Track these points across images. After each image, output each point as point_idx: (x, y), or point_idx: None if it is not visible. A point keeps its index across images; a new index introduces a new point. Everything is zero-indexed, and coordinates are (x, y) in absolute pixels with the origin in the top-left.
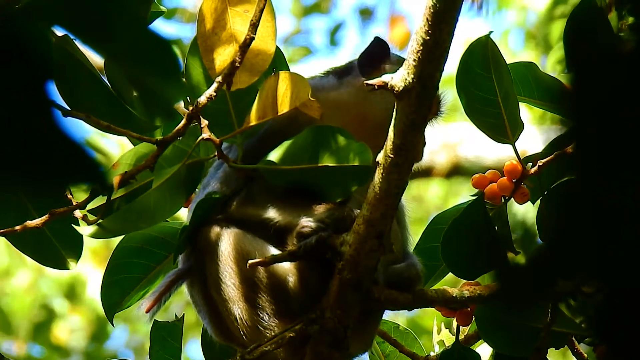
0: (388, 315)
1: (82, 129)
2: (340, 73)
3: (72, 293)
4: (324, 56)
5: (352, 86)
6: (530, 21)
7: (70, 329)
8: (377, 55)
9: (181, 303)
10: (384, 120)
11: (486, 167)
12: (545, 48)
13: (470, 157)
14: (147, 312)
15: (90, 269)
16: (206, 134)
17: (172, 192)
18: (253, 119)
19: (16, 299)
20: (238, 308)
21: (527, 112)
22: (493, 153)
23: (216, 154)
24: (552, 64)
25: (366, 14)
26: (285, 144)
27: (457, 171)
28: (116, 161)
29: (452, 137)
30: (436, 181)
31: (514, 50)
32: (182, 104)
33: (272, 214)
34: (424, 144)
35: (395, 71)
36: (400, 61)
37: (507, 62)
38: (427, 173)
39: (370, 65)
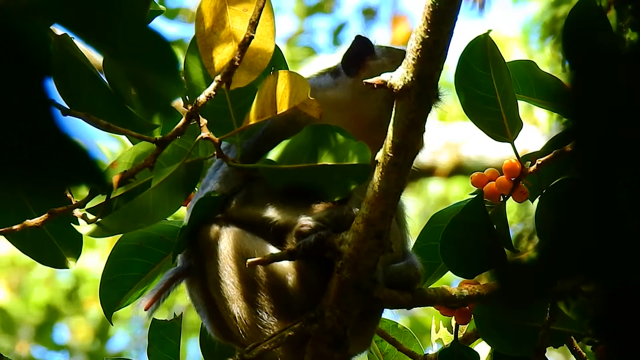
0: (391, 314)
1: (83, 129)
2: (335, 72)
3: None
4: (327, 56)
5: (347, 85)
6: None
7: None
8: (361, 53)
9: (183, 305)
10: (377, 117)
11: (488, 167)
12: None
13: (472, 157)
14: (145, 309)
15: None
16: (205, 133)
17: (171, 191)
18: (252, 118)
19: (35, 292)
20: (237, 307)
21: (547, 115)
22: (495, 153)
23: (215, 153)
24: None
25: (369, 14)
26: (284, 143)
27: (459, 171)
28: (115, 160)
29: (455, 137)
30: (456, 180)
31: (533, 46)
32: (181, 103)
33: (271, 213)
34: (424, 130)
35: (381, 63)
36: (386, 52)
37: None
38: (429, 173)
39: (354, 65)
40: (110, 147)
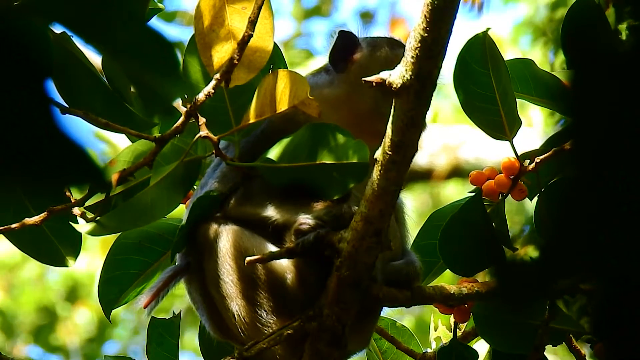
0: (394, 313)
1: (82, 127)
2: (329, 70)
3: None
4: (324, 59)
5: (340, 81)
6: (540, 16)
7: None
8: (346, 47)
9: (184, 306)
10: (375, 107)
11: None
12: (555, 45)
13: (470, 160)
14: (144, 307)
15: None
16: (204, 132)
17: (170, 190)
18: (251, 116)
19: (25, 293)
20: (236, 305)
21: (542, 116)
22: (493, 155)
23: (214, 151)
24: (560, 62)
25: (367, 17)
26: (283, 141)
27: (457, 173)
28: (114, 158)
29: (453, 139)
30: (454, 183)
31: (523, 47)
32: (180, 101)
33: (270, 211)
34: (424, 127)
35: (368, 54)
36: (372, 43)
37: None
38: (427, 175)
39: (341, 60)
40: (99, 150)
